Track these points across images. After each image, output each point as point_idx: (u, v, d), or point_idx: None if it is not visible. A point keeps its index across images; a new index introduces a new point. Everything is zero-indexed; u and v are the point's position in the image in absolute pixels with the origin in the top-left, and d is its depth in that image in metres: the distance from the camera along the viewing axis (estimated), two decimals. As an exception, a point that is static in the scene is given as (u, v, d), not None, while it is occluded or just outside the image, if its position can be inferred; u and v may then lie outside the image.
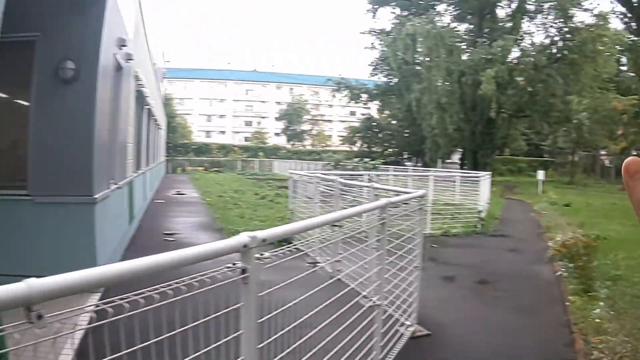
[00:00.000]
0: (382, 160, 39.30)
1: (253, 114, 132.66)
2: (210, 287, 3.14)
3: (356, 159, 39.25)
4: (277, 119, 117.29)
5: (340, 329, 5.79)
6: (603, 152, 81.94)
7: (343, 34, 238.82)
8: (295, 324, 4.56)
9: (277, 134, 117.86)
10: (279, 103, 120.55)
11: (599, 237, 15.12)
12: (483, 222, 22.85)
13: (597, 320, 10.03)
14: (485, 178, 26.95)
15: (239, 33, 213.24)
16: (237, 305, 3.52)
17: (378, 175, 25.38)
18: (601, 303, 11.11)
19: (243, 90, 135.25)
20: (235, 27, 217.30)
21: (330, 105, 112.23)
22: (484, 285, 13.37)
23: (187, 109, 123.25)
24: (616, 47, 61.99)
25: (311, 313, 4.92)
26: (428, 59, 57.80)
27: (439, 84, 56.41)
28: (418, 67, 63.88)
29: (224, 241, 3.42)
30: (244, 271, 3.42)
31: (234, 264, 3.41)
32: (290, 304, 4.54)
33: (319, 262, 10.93)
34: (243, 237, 3.47)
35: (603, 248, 15.11)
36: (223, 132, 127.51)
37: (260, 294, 3.70)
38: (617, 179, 66.62)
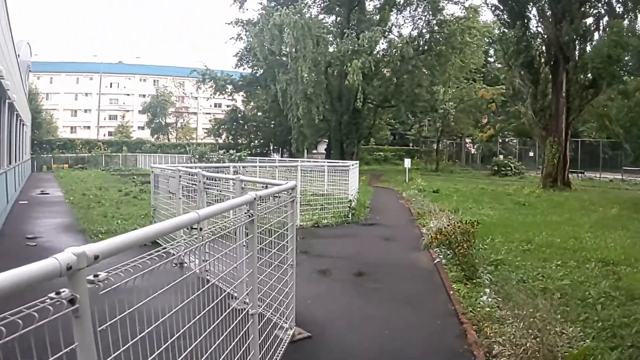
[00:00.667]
0: (248, 152, 38.20)
1: (117, 108, 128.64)
2: (24, 330, 2.17)
3: (221, 151, 38.09)
4: (140, 112, 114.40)
5: (216, 340, 5.01)
6: (468, 140, 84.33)
7: (210, 25, 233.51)
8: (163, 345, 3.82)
9: (141, 128, 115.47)
10: (143, 96, 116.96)
11: (474, 222, 14.45)
12: (354, 212, 22.41)
13: (487, 308, 9.67)
14: (353, 167, 26.42)
15: (106, 24, 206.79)
16: (71, 346, 2.55)
17: (244, 167, 24.44)
18: (487, 290, 10.88)
19: (108, 83, 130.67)
20: (102, 18, 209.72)
21: (196, 98, 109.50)
22: (362, 277, 12.74)
23: (53, 103, 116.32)
24: (485, 39, 63.64)
25: (185, 325, 4.24)
26: (295, 49, 56.81)
27: (305, 74, 55.22)
28: (285, 58, 62.92)
29: (37, 264, 2.31)
30: (72, 301, 2.44)
31: (57, 293, 2.39)
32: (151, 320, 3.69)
33: (185, 263, 10.12)
34: (66, 256, 2.45)
35: (479, 233, 14.76)
36: (88, 127, 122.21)
37: (103, 327, 2.88)
38: (482, 165, 69.22)
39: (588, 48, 40.06)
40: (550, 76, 41.70)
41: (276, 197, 7.92)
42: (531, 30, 42.09)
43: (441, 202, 27.35)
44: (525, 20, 41.57)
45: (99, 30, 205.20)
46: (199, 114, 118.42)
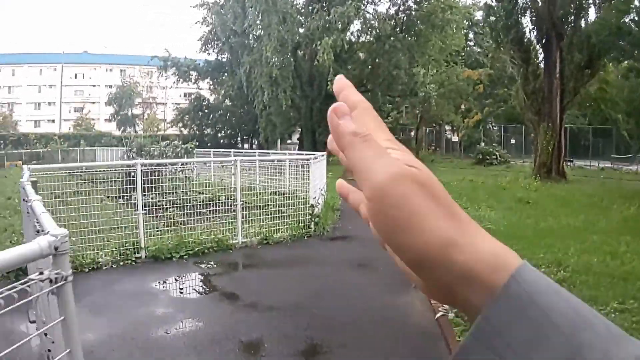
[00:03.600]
0: (195, 144, 32.99)
1: (82, 100, 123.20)
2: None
3: (164, 143, 32.84)
4: (107, 103, 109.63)
5: None
6: (448, 128, 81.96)
7: (178, 11, 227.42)
8: None
9: (107, 120, 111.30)
10: (110, 87, 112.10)
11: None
12: (318, 220, 17.06)
13: None
14: (317, 160, 20.35)
15: (70, 12, 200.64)
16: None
17: (184, 165, 19.29)
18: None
19: (73, 75, 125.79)
20: (66, 6, 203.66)
21: (164, 87, 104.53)
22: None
23: (15, 97, 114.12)
24: (465, 22, 61.04)
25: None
26: (259, 28, 52.31)
27: (270, 54, 50.30)
28: (249, 40, 59.14)
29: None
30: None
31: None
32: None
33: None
34: None
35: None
36: (52, 121, 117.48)
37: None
38: (464, 154, 68.71)
39: (583, 24, 36.80)
40: (542, 55, 38.71)
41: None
42: (520, 4, 38.74)
43: None
44: (513, -7, 38.10)
45: (63, 20, 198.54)
46: (167, 105, 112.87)
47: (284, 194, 19.39)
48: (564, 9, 35.68)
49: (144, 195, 13.38)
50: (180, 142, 31.18)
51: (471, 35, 73.91)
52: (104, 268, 12.33)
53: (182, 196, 15.73)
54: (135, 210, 13.14)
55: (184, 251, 13.37)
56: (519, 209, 21.91)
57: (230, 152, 31.28)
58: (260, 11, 50.40)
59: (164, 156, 26.92)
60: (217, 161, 23.86)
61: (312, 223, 16.56)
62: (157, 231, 14.00)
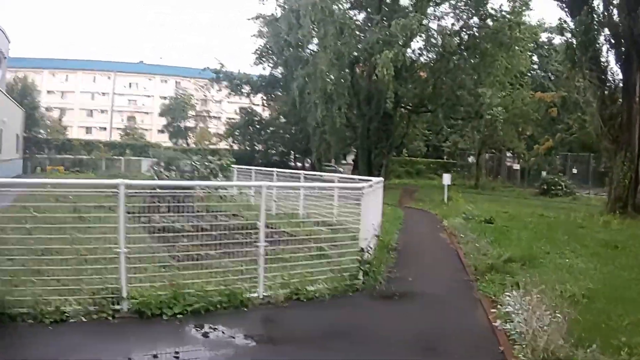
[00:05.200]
0: (232, 160, 29.86)
1: (135, 109, 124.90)
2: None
3: (195, 157, 29.47)
4: (160, 114, 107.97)
5: None
6: (509, 154, 79.63)
7: (235, 25, 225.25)
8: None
9: (160, 131, 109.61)
10: (164, 98, 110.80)
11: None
12: (369, 267, 12.83)
13: None
14: (372, 188, 15.74)
15: (125, 22, 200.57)
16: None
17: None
18: None
19: (127, 84, 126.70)
20: (122, 15, 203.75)
21: (219, 101, 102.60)
22: None
23: (67, 102, 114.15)
24: (530, 44, 57.78)
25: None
26: (314, 38, 49.44)
27: (324, 68, 46.95)
28: (304, 52, 56.42)
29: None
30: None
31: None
32: None
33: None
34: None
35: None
36: (104, 129, 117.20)
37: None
38: (524, 182, 68.21)
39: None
40: (621, 76, 35.16)
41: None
42: (596, 20, 35.31)
43: (502, 241, 19.67)
44: (591, 7, 34.94)
45: (121, 28, 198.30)
46: (221, 119, 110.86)
47: (331, 226, 15.84)
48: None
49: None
50: (216, 158, 28.15)
51: (535, 58, 71.87)
52: (71, 321, 8.97)
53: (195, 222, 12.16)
54: (116, 246, 9.58)
55: (181, 306, 9.68)
56: (609, 256, 18.28)
57: (273, 171, 27.74)
58: (316, 21, 47.16)
59: (196, 172, 23.81)
60: (238, 185, 19.58)
61: (361, 272, 12.57)
62: (153, 273, 10.43)
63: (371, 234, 14.71)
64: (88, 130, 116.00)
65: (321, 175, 23.38)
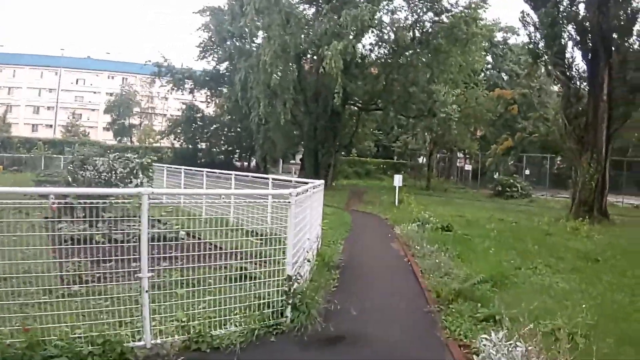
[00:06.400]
0: (152, 159, 26.96)
1: (81, 106, 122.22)
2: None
3: (113, 155, 26.26)
4: (105, 111, 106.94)
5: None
6: (460, 155, 79.34)
7: (183, 17, 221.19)
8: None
9: (106, 129, 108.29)
10: (111, 94, 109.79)
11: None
12: (300, 298, 9.54)
13: None
14: (309, 192, 13.09)
15: (75, 14, 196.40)
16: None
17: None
18: None
19: (74, 80, 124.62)
20: (69, 10, 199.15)
21: (165, 98, 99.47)
22: None
23: (14, 98, 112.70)
24: (485, 42, 56.11)
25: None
26: (257, 27, 47.14)
27: (268, 59, 44.09)
28: (248, 45, 54.15)
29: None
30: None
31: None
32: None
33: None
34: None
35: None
36: (50, 126, 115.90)
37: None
38: (475, 183, 66.97)
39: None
40: (587, 74, 33.89)
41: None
42: (563, 12, 33.93)
43: (465, 254, 17.22)
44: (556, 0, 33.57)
45: (67, 21, 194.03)
46: (167, 116, 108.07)
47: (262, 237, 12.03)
48: (617, 18, 31.52)
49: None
50: (135, 156, 25.26)
51: (489, 58, 72.11)
52: None
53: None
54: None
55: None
56: (592, 272, 16.04)
57: (203, 172, 24.76)
58: (261, 9, 44.25)
59: (114, 172, 20.86)
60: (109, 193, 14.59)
61: (288, 307, 9.41)
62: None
63: (305, 253, 11.77)
64: (34, 127, 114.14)
65: (266, 177, 20.31)
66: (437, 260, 15.61)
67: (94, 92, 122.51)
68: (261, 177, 20.65)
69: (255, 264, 10.38)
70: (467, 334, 9.45)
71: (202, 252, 9.01)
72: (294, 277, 9.61)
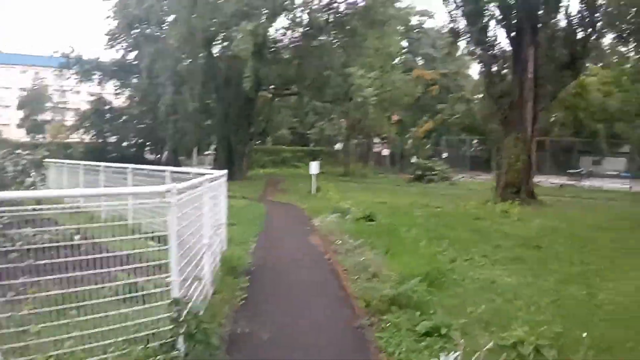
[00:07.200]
0: (44, 154, 25.13)
1: None
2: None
3: (2, 152, 24.16)
4: (18, 107, 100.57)
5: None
6: (376, 140, 78.59)
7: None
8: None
9: (19, 126, 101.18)
10: (23, 89, 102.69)
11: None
12: (195, 322, 7.16)
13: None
14: (203, 188, 10.35)
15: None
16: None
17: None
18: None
19: None
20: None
21: (77, 92, 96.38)
22: None
23: None
24: (401, 25, 57.01)
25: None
26: (165, 11, 44.68)
27: (175, 43, 42.74)
28: (156, 29, 52.53)
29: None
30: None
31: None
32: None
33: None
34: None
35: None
36: None
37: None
38: (394, 168, 68.43)
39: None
40: (512, 52, 33.20)
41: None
42: None
43: (393, 248, 15.11)
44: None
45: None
46: (80, 110, 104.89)
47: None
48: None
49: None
50: (26, 152, 23.16)
51: (405, 43, 71.58)
52: None
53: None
54: None
55: None
56: (535, 262, 14.88)
57: (100, 166, 22.40)
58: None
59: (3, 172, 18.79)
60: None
61: (178, 334, 7.05)
62: None
63: (194, 273, 9.18)
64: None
65: (164, 170, 18.10)
66: (362, 258, 13.52)
67: (6, 88, 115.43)
68: (159, 170, 18.37)
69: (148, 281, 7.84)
70: (409, 356, 7.54)
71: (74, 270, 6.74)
72: (182, 300, 7.25)
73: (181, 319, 6.98)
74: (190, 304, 7.44)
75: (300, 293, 11.54)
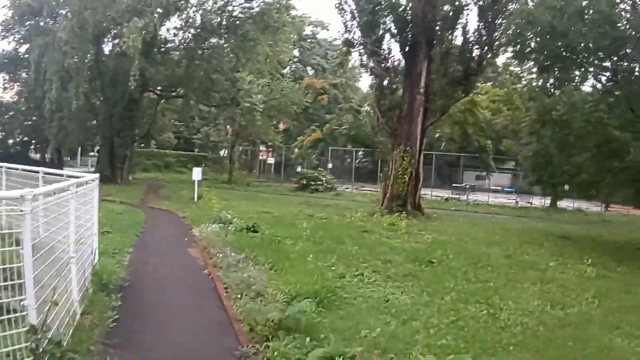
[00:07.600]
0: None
1: None
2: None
3: None
4: None
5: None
6: (262, 148, 79.45)
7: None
8: None
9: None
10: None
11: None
12: (59, 354, 6.31)
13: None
14: (69, 191, 8.93)
15: None
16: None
17: None
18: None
19: None
20: None
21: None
22: None
23: None
24: (295, 34, 56.40)
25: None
26: (59, 5, 45.12)
27: (64, 37, 40.96)
28: (47, 22, 49.95)
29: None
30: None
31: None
32: None
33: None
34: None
35: None
36: None
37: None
38: (278, 176, 69.80)
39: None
40: (405, 66, 33.99)
41: None
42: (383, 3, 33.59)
43: (279, 263, 14.73)
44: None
45: None
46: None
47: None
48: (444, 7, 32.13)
49: None
50: None
51: (296, 52, 72.56)
52: None
53: None
54: None
55: None
56: (430, 279, 14.55)
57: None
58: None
59: None
60: None
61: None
62: None
63: (64, 281, 8.15)
64: None
65: (37, 171, 16.60)
66: (245, 274, 12.65)
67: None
68: (32, 171, 16.91)
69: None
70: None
71: None
72: (40, 327, 6.20)
73: (40, 350, 6.02)
74: (51, 332, 6.45)
75: (177, 314, 10.60)
